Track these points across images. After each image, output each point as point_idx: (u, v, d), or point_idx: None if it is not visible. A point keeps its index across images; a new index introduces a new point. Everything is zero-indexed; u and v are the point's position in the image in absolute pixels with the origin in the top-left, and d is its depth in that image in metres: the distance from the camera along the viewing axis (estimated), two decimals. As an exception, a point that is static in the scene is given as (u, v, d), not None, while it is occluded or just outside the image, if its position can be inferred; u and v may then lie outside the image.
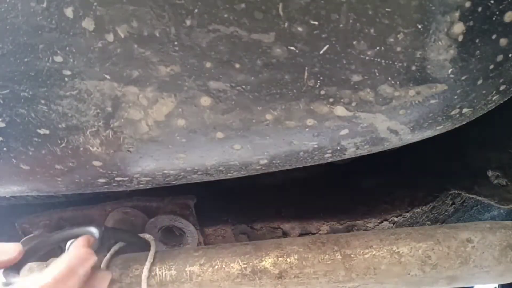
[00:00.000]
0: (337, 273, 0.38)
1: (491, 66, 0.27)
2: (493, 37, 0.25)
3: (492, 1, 0.24)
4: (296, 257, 0.38)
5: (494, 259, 0.37)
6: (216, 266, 0.39)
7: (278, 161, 0.33)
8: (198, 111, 0.28)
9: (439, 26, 0.24)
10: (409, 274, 0.37)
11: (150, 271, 0.39)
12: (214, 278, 0.38)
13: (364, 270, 0.37)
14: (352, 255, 0.38)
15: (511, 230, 0.38)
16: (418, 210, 0.60)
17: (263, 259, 0.39)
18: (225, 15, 0.23)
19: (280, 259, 0.38)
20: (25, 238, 0.50)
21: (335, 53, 0.25)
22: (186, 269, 0.39)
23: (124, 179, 0.34)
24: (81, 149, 0.30)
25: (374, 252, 0.38)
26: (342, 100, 0.27)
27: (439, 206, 0.61)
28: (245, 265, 0.39)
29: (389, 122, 0.29)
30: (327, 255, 0.38)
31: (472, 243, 0.37)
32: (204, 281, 0.38)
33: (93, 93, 0.27)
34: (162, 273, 0.39)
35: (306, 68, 0.26)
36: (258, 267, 0.38)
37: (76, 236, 0.39)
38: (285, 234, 0.59)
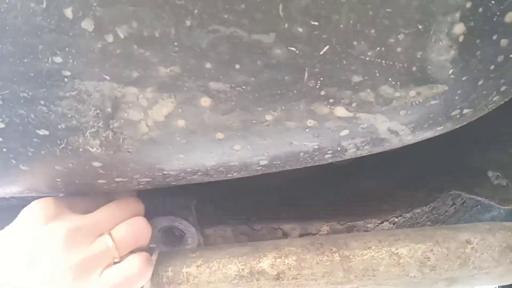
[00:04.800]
0: (336, 275, 0.37)
1: (492, 67, 0.27)
2: (494, 37, 0.25)
3: (492, 2, 0.24)
4: (294, 258, 0.38)
5: (493, 260, 0.37)
6: (214, 268, 0.39)
7: (279, 162, 0.33)
8: (198, 112, 0.28)
9: (440, 26, 0.24)
10: (408, 275, 0.37)
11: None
12: (211, 279, 0.38)
13: (362, 271, 0.37)
14: (350, 256, 0.38)
15: (510, 231, 0.38)
16: (419, 210, 0.59)
17: (260, 260, 0.38)
18: (225, 16, 0.23)
19: (278, 260, 0.38)
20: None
21: (336, 54, 0.25)
22: (183, 270, 0.39)
23: (124, 179, 0.34)
24: (81, 150, 0.30)
25: (372, 254, 0.38)
26: (342, 101, 0.27)
27: (439, 207, 0.61)
28: (242, 267, 0.38)
29: (390, 122, 0.29)
30: (325, 256, 0.38)
31: (471, 244, 0.37)
32: (201, 282, 0.38)
33: (93, 94, 0.27)
34: (158, 274, 0.39)
35: (306, 68, 0.26)
36: (256, 269, 0.38)
37: None
38: (285, 235, 0.59)
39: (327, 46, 0.25)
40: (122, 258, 0.36)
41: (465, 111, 0.30)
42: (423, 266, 0.37)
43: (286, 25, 0.24)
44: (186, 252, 0.41)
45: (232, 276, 0.38)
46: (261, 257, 0.38)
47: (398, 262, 0.37)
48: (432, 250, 0.37)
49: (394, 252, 0.37)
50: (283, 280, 0.38)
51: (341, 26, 0.24)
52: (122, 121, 0.28)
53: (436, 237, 0.38)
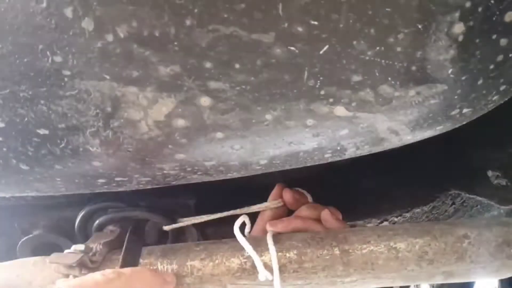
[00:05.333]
0: (336, 268, 0.38)
1: (491, 66, 0.27)
2: (493, 37, 0.25)
3: (492, 1, 0.24)
4: (295, 252, 0.39)
5: (490, 255, 0.37)
6: (217, 261, 0.39)
7: (278, 161, 0.33)
8: (198, 111, 0.28)
9: (439, 26, 0.24)
10: (406, 269, 0.37)
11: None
12: (214, 272, 0.39)
13: (362, 265, 0.38)
14: (350, 250, 0.38)
15: (507, 226, 0.38)
16: (418, 210, 0.59)
17: (262, 254, 0.39)
18: (225, 15, 0.23)
19: (279, 254, 0.39)
20: (24, 239, 0.50)
21: (335, 53, 0.25)
22: (187, 263, 0.39)
23: (124, 179, 0.34)
24: (81, 149, 0.30)
25: (371, 248, 0.38)
26: (342, 100, 0.27)
27: (439, 206, 0.61)
28: (245, 260, 0.39)
29: (389, 122, 0.29)
30: (325, 250, 0.38)
31: (468, 239, 0.37)
32: (205, 275, 0.39)
33: (93, 93, 0.27)
34: (163, 267, 0.40)
35: (306, 68, 0.26)
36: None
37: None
38: (285, 234, 0.59)
39: (327, 46, 0.25)
40: None
41: (464, 110, 0.30)
42: (421, 260, 0.37)
43: (286, 25, 0.24)
44: (190, 245, 0.42)
45: (234, 269, 0.39)
46: (263, 251, 0.39)
47: (396, 256, 0.37)
48: (429, 245, 0.37)
49: (393, 246, 0.38)
50: (284, 273, 0.38)
51: (341, 25, 0.24)
52: (122, 120, 0.28)
53: (434, 231, 0.38)
